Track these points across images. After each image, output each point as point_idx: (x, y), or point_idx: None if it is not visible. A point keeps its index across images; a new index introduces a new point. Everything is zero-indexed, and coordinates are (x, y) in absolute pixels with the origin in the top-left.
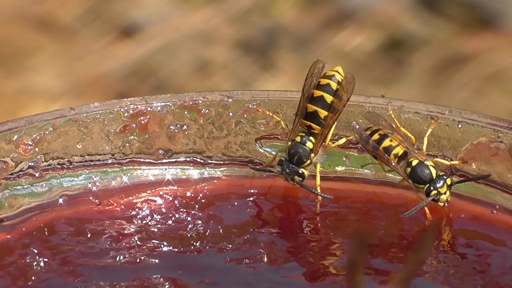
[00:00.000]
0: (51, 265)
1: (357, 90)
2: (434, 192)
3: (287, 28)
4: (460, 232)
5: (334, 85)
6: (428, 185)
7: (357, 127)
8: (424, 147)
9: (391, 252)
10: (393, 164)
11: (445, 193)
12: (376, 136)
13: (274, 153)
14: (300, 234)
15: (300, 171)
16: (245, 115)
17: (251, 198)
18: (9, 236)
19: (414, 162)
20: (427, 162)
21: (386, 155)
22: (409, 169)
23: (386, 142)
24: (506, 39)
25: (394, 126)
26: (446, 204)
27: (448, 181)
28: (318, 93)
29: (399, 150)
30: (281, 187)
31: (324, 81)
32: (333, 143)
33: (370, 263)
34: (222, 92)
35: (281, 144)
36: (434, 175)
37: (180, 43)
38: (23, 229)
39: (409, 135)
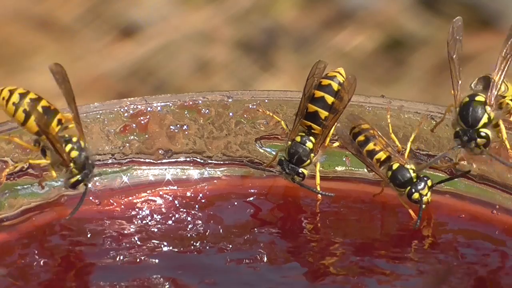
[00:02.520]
0: (51, 265)
1: (357, 90)
2: (416, 195)
3: (287, 28)
4: (460, 232)
5: (335, 86)
6: (409, 187)
7: (341, 129)
8: (407, 152)
9: (391, 252)
10: (375, 168)
11: (426, 194)
12: (361, 138)
13: (274, 153)
14: (300, 234)
15: (300, 171)
16: (245, 115)
17: (251, 198)
18: (9, 236)
19: (395, 166)
20: (407, 165)
21: (368, 158)
22: (390, 173)
23: (370, 146)
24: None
25: (375, 128)
26: (425, 206)
27: (429, 182)
28: (319, 93)
29: (382, 155)
30: (281, 187)
31: (325, 82)
32: (333, 143)
33: (370, 263)
34: (222, 92)
35: (281, 144)
36: (414, 177)
37: (180, 43)
38: (23, 229)
39: (397, 142)
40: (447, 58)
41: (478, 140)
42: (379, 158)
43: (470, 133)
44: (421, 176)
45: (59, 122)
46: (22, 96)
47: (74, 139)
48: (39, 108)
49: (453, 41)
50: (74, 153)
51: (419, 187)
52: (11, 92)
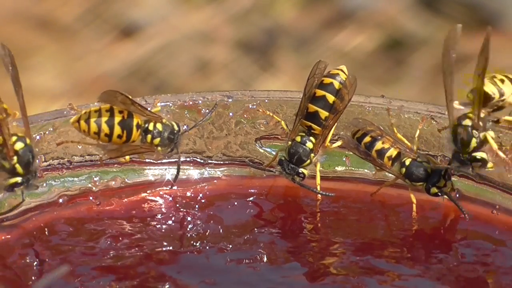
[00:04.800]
0: (51, 265)
1: (357, 90)
2: (434, 189)
3: (287, 28)
4: (460, 232)
5: (337, 85)
6: (426, 183)
7: (345, 137)
8: (415, 147)
9: (391, 252)
10: (387, 167)
11: (445, 185)
12: (367, 139)
13: (274, 153)
14: (300, 234)
15: (300, 171)
16: (245, 115)
17: (251, 198)
18: (9, 236)
19: (407, 162)
20: (419, 159)
21: (379, 159)
22: (403, 169)
23: (379, 145)
24: (506, 39)
25: (382, 128)
26: (456, 192)
27: (443, 172)
28: (320, 92)
29: (392, 152)
30: (281, 187)
31: (327, 80)
32: (333, 144)
33: (370, 263)
34: (222, 92)
35: (281, 144)
36: (429, 170)
37: (180, 43)
38: (23, 229)
39: (405, 141)
40: (441, 71)
41: (473, 164)
42: (390, 155)
43: (464, 157)
44: (435, 168)
45: (5, 111)
46: None
47: (20, 134)
48: None
49: (448, 55)
50: (19, 145)
51: (435, 180)
52: None
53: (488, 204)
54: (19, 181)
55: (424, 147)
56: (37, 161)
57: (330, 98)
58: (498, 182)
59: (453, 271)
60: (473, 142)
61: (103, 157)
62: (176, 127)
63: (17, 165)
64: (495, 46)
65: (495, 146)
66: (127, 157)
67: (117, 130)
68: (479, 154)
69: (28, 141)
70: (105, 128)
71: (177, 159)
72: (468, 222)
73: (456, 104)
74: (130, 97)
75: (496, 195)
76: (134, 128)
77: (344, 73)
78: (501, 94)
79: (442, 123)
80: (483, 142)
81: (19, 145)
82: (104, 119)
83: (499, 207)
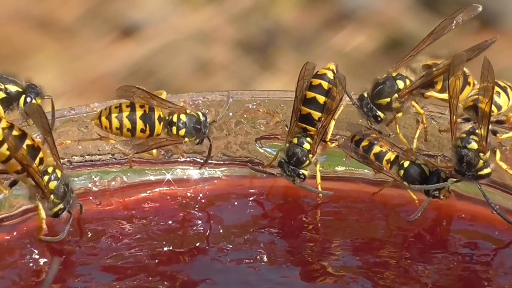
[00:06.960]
0: (51, 265)
1: (357, 90)
2: (431, 190)
3: (287, 28)
4: (460, 232)
5: (325, 85)
6: (424, 185)
7: (343, 141)
8: (414, 146)
9: (391, 252)
10: (385, 169)
11: (441, 188)
12: (365, 143)
13: (274, 153)
14: (300, 234)
15: (300, 172)
16: (245, 115)
17: (251, 198)
18: (9, 236)
19: (406, 164)
20: (418, 161)
21: (377, 162)
22: (402, 171)
23: (377, 148)
24: (506, 39)
25: (378, 131)
26: (447, 197)
27: (443, 174)
28: (310, 94)
29: (390, 156)
30: (281, 187)
31: (315, 82)
32: (332, 143)
33: (370, 263)
34: (222, 92)
35: (281, 144)
36: (427, 172)
37: (180, 43)
38: (23, 229)
39: (405, 141)
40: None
41: (480, 180)
42: (388, 159)
43: (470, 175)
44: (434, 170)
45: (41, 161)
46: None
47: (50, 170)
48: (24, 146)
49: (454, 79)
50: (53, 184)
51: (433, 182)
52: None
53: (488, 204)
54: (61, 209)
55: (424, 147)
56: (70, 186)
57: (321, 98)
58: (498, 182)
59: (453, 271)
60: (480, 163)
61: (130, 153)
62: (202, 117)
63: (55, 200)
64: (495, 46)
65: (504, 166)
66: (154, 152)
67: (140, 124)
68: (484, 172)
69: (59, 174)
70: (126, 123)
71: (176, 159)
72: (468, 222)
73: (459, 124)
74: (148, 91)
75: (496, 195)
76: (156, 122)
77: (332, 71)
78: (499, 108)
79: (442, 123)
80: (488, 160)
81: (52, 184)
82: (125, 114)
83: (499, 207)
